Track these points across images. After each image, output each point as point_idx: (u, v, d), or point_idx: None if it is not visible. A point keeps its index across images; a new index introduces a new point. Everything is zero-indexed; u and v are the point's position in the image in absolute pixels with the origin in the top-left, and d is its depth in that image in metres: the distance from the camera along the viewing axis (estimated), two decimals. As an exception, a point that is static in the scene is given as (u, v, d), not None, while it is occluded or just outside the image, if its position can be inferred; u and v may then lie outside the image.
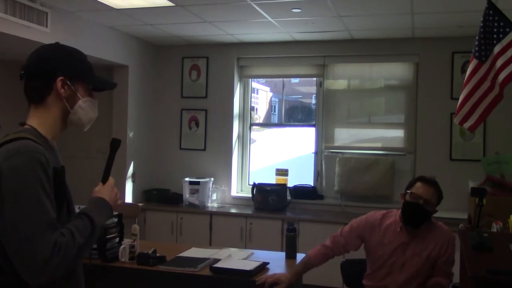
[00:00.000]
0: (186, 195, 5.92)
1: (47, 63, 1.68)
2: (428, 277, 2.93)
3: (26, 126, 1.67)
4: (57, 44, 1.77)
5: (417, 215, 2.88)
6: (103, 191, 1.75)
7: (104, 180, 1.79)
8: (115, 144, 1.85)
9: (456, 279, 2.94)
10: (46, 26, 4.46)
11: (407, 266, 2.91)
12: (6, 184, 1.49)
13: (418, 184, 2.93)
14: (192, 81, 6.38)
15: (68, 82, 1.68)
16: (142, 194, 6.18)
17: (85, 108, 1.74)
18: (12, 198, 1.48)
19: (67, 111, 1.71)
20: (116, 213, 3.24)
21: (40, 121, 1.68)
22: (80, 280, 1.74)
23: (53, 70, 1.67)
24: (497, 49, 3.05)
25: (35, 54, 1.71)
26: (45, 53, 1.71)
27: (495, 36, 3.07)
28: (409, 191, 2.93)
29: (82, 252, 1.57)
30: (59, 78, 1.67)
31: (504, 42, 3.03)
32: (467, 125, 3.29)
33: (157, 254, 3.21)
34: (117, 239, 3.31)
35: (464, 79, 3.34)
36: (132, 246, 3.24)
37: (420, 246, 2.92)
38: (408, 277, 2.92)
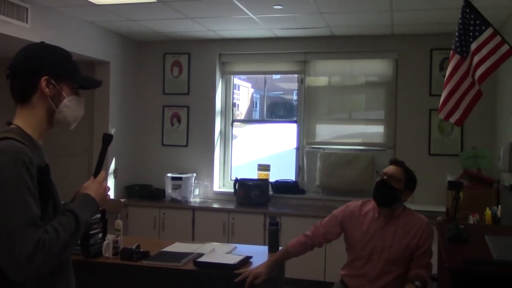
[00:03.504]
0: (169, 190, 5.93)
1: (31, 62, 1.69)
2: (406, 269, 2.99)
3: (12, 126, 1.68)
4: (42, 43, 1.78)
5: (383, 191, 3.02)
6: (91, 186, 1.77)
7: (96, 174, 1.81)
8: (107, 139, 1.88)
9: (434, 270, 3.01)
10: (26, 22, 4.43)
11: (386, 253, 2.98)
12: None
13: (387, 167, 3.12)
14: (174, 78, 6.38)
15: (53, 81, 1.70)
16: (124, 190, 6.17)
17: (71, 106, 1.75)
18: None
19: (52, 110, 1.72)
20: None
21: (25, 120, 1.69)
22: (69, 276, 1.76)
23: (38, 70, 1.68)
24: (473, 46, 3.11)
25: (20, 53, 1.72)
26: (30, 53, 1.72)
27: (471, 34, 3.14)
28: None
29: (66, 248, 1.59)
30: (44, 78, 1.68)
31: (480, 40, 3.09)
32: (453, 119, 3.34)
33: (141, 250, 3.23)
34: (100, 235, 3.32)
35: (443, 75, 3.39)
36: (115, 242, 3.24)
37: (399, 232, 3.00)
38: (387, 265, 2.97)
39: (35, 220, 1.52)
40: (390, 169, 3.07)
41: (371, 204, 3.12)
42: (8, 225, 1.48)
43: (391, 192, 3.00)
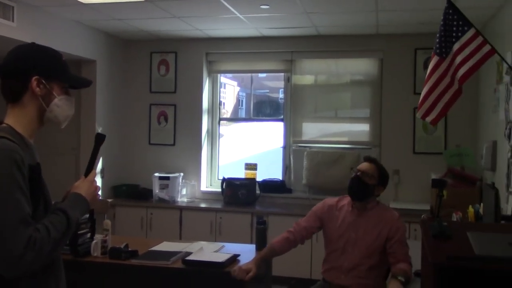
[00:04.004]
0: (156, 190, 5.93)
1: (22, 62, 1.71)
2: (380, 261, 3.10)
3: (3, 125, 1.70)
4: (33, 44, 1.81)
5: (356, 186, 3.19)
6: (81, 185, 1.79)
7: (87, 174, 1.84)
8: (99, 139, 1.91)
9: (418, 266, 3.07)
10: (13, 21, 4.40)
11: (360, 245, 3.12)
12: None
13: (361, 164, 3.29)
14: (160, 76, 6.38)
15: (44, 81, 1.72)
16: (111, 189, 6.15)
17: (61, 106, 1.78)
18: None
19: (43, 109, 1.74)
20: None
21: (16, 119, 1.71)
22: (60, 275, 1.78)
23: (29, 70, 1.70)
24: (456, 46, 3.18)
25: (11, 53, 1.75)
26: (21, 53, 1.75)
27: (454, 34, 3.20)
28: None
29: (57, 247, 1.62)
30: (34, 78, 1.70)
31: (463, 40, 3.16)
32: (429, 119, 3.42)
33: (129, 249, 3.25)
34: (88, 235, 3.33)
35: (426, 74, 3.46)
36: (104, 241, 3.26)
37: (371, 224, 3.15)
38: (361, 256, 3.11)
39: (26, 218, 1.54)
40: (364, 166, 3.24)
41: (346, 200, 3.29)
42: None
43: (364, 188, 3.17)
